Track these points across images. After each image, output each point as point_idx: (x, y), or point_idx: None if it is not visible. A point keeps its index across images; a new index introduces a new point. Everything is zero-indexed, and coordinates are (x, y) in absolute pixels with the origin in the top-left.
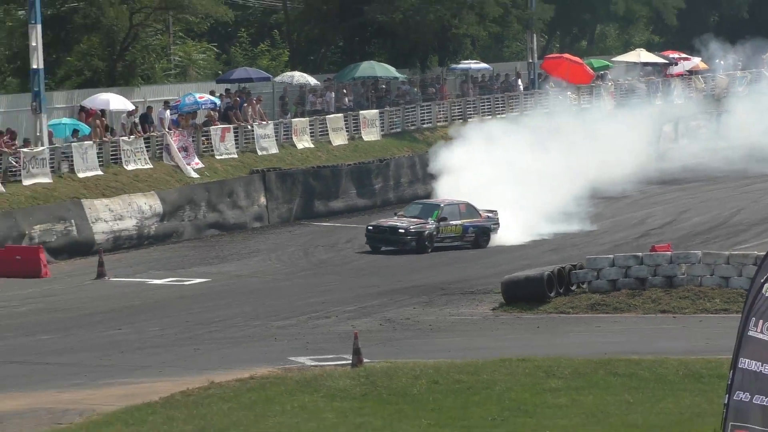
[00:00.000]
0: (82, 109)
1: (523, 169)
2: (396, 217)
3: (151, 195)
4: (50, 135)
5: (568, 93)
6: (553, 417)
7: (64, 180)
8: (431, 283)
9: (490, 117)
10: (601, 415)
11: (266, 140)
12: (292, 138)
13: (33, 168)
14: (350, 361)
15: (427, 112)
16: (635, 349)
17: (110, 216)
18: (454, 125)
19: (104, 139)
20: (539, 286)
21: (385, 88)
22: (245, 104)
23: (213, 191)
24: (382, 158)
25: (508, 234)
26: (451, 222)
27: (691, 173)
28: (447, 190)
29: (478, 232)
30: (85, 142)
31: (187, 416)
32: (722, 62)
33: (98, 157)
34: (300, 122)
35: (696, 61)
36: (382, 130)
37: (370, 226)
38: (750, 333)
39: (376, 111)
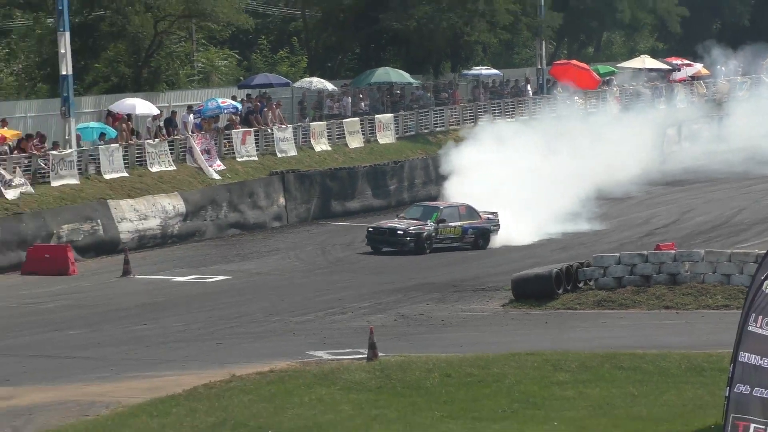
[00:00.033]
0: (109, 113)
1: (532, 170)
2: (397, 219)
3: (175, 196)
4: (78, 138)
5: (576, 98)
6: (560, 409)
7: (91, 181)
8: (444, 281)
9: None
10: (607, 407)
11: (285, 143)
12: (310, 141)
13: (61, 170)
14: (366, 355)
15: (439, 116)
16: (640, 343)
17: (135, 216)
18: (465, 127)
19: (130, 142)
20: (548, 283)
21: (400, 93)
22: (265, 109)
23: (234, 192)
24: (396, 160)
25: (517, 233)
26: (450, 224)
27: (693, 175)
28: (457, 190)
29: (478, 233)
30: (112, 145)
31: (209, 408)
32: (723, 68)
33: (124, 160)
34: (318, 126)
35: (698, 67)
36: (397, 133)
37: (371, 227)
38: (750, 328)
39: (391, 115)
